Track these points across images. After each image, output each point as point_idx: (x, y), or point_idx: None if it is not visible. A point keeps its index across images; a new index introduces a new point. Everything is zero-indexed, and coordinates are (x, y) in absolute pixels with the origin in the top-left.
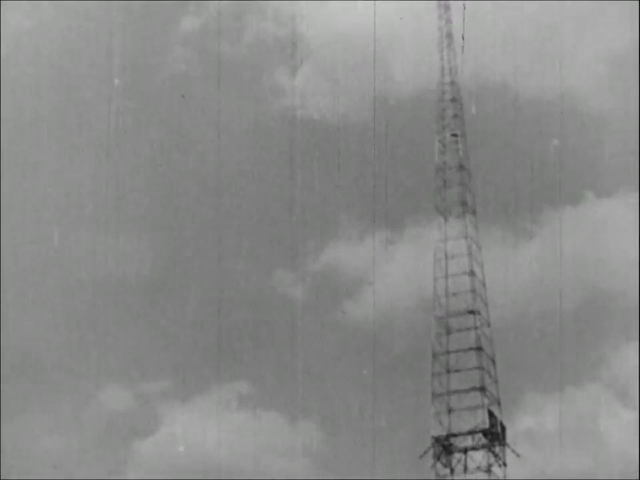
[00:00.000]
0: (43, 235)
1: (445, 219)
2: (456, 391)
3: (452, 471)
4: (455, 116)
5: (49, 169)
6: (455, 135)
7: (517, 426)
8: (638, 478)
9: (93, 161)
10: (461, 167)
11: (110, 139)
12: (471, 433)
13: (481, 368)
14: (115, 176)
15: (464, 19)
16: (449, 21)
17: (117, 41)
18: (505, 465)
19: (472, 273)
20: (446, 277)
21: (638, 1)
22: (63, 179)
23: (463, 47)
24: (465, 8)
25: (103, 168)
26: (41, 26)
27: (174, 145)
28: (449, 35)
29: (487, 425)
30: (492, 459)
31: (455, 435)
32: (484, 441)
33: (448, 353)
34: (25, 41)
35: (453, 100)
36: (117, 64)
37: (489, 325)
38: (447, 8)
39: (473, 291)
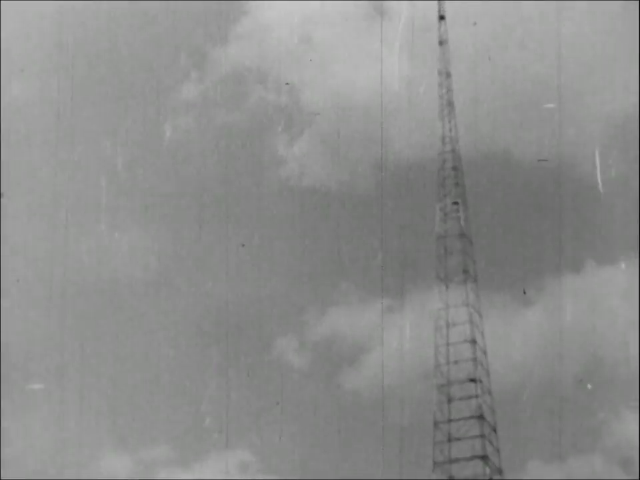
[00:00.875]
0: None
1: (446, 287)
2: (457, 460)
3: None
4: (456, 184)
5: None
6: (456, 203)
7: None
8: None
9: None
10: (462, 235)
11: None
12: None
13: (482, 436)
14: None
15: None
16: (449, 89)
17: (115, 107)
18: None
19: (473, 341)
20: (447, 344)
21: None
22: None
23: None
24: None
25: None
26: (37, 96)
27: (172, 212)
28: (450, 103)
29: None
30: None
31: None
32: None
33: (449, 421)
34: (22, 110)
35: (454, 168)
36: (116, 131)
37: (490, 393)
38: (448, 75)
39: (474, 359)
